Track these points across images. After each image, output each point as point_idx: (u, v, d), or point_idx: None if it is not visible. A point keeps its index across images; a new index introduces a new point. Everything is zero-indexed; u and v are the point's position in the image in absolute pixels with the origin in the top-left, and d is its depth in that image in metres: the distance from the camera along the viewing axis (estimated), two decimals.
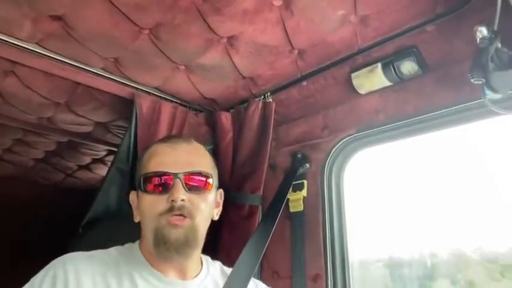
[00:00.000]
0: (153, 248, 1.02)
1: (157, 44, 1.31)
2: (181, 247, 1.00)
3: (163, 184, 1.03)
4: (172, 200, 1.01)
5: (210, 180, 1.09)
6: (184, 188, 1.02)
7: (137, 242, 1.11)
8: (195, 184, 1.05)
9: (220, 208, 1.18)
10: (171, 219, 1.00)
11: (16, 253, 2.83)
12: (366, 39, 1.29)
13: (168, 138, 1.18)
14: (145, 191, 1.05)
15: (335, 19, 1.20)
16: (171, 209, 1.01)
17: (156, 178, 1.04)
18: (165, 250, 1.00)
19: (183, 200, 1.01)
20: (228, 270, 1.19)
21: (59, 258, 1.01)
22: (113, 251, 1.08)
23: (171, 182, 1.03)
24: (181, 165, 1.05)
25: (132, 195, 1.14)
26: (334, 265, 1.46)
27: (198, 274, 1.10)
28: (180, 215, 1.01)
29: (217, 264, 1.20)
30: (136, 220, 1.11)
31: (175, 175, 1.03)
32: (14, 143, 2.29)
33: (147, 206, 1.04)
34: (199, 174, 1.07)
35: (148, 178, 1.05)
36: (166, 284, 1.03)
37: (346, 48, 1.34)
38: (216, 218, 1.15)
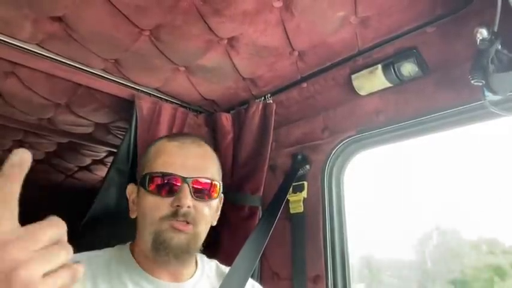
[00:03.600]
0: (151, 251, 0.99)
1: (157, 45, 1.31)
2: (181, 253, 0.98)
3: (169, 187, 0.99)
4: (178, 206, 0.97)
5: (218, 188, 1.05)
6: (191, 193, 0.98)
7: (128, 244, 1.08)
8: (202, 191, 1.01)
9: (219, 213, 1.15)
10: (174, 224, 0.97)
11: None
12: (366, 40, 1.29)
13: (177, 136, 1.12)
14: (149, 191, 1.00)
15: (335, 20, 1.20)
16: (174, 214, 0.97)
17: (163, 179, 0.99)
18: (164, 255, 0.97)
19: (188, 207, 0.98)
20: (225, 268, 1.18)
21: None
22: (103, 253, 1.05)
23: (178, 186, 0.98)
24: (190, 169, 1.01)
25: (131, 188, 1.09)
26: (334, 266, 1.46)
27: (192, 276, 1.08)
28: (183, 220, 0.98)
29: (214, 263, 1.18)
30: (132, 216, 1.08)
31: (184, 179, 0.99)
32: (14, 144, 2.29)
33: (149, 208, 1.00)
34: (208, 181, 1.03)
35: (153, 178, 1.00)
36: (158, 287, 1.01)
37: (346, 50, 1.34)
38: (215, 223, 1.13)
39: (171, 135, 1.15)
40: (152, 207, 0.99)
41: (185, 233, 0.98)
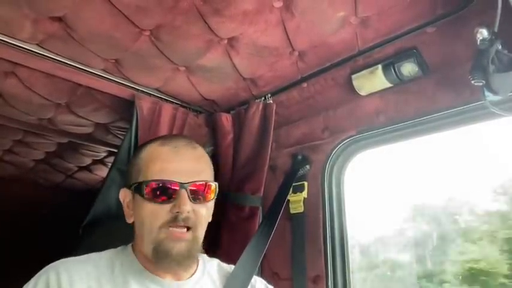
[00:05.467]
0: (152, 259, 0.99)
1: (157, 45, 1.31)
2: (184, 260, 0.98)
3: (167, 193, 0.98)
4: (177, 212, 0.97)
5: (214, 189, 1.05)
6: (190, 198, 0.98)
7: (130, 245, 1.09)
8: (200, 194, 1.01)
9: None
10: (173, 233, 0.97)
11: (16, 254, 2.83)
12: (366, 40, 1.29)
13: (169, 139, 1.09)
14: (146, 199, 0.99)
15: (335, 21, 1.20)
16: (174, 220, 0.97)
17: (160, 186, 0.98)
18: (167, 263, 0.97)
19: (188, 212, 0.97)
20: (227, 266, 1.18)
21: (51, 264, 0.98)
22: (106, 254, 1.05)
23: (176, 192, 0.97)
24: (186, 174, 1.00)
25: (124, 193, 1.07)
26: (334, 266, 1.46)
27: (193, 273, 1.08)
28: (183, 226, 0.98)
29: (215, 261, 1.19)
30: (129, 221, 1.06)
31: (182, 185, 0.97)
32: (14, 144, 2.29)
33: (147, 215, 0.99)
34: (206, 184, 1.03)
35: (150, 185, 0.98)
36: (161, 286, 1.02)
37: (346, 50, 1.34)
38: (210, 219, 1.11)
39: (162, 138, 1.12)
40: (150, 215, 0.99)
41: (184, 240, 0.98)
